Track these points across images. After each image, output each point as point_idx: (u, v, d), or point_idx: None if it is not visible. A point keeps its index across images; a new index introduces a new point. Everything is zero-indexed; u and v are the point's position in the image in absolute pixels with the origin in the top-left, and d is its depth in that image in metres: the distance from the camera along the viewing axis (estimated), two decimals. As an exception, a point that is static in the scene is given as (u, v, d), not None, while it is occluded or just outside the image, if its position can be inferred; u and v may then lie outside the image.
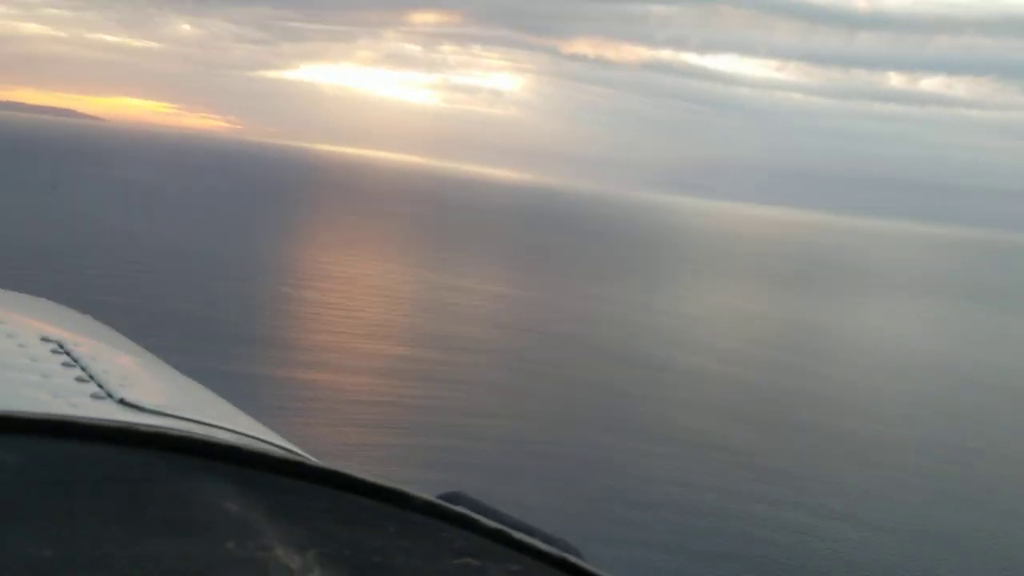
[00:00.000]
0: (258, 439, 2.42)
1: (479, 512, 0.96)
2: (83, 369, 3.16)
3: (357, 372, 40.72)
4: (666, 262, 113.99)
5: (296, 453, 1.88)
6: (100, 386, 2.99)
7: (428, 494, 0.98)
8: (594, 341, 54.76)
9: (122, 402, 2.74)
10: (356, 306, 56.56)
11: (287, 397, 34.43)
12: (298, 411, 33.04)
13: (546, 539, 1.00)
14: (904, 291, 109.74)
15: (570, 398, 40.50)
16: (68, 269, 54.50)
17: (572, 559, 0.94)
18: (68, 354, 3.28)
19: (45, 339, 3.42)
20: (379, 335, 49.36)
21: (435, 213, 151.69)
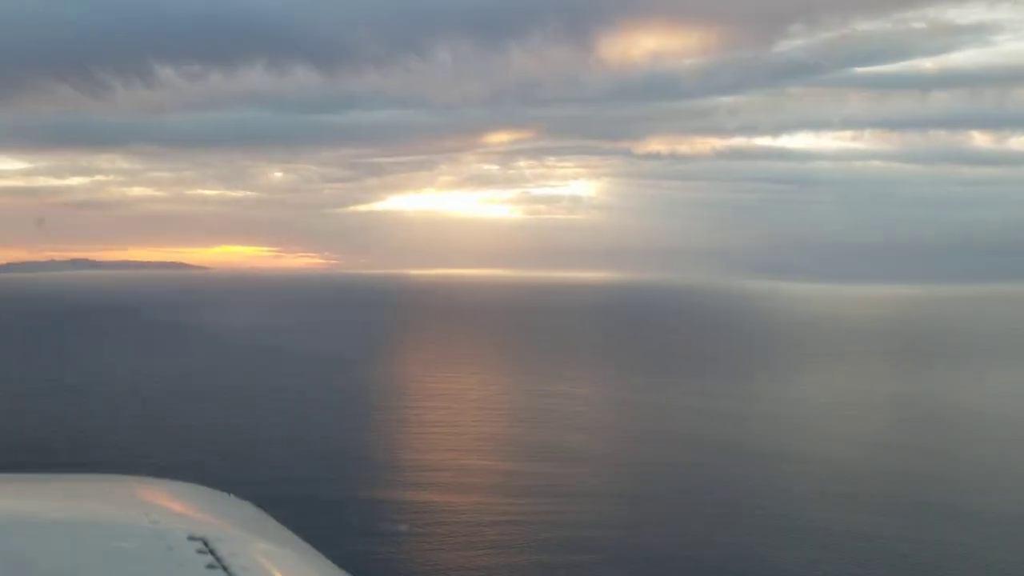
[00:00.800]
0: None
1: None
2: (225, 569, 3.36)
3: (468, 490, 40.55)
4: (767, 350, 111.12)
5: None
6: None
7: None
8: (706, 437, 53.37)
9: None
10: (460, 421, 56.96)
11: (404, 521, 34.62)
12: (417, 535, 33.14)
13: None
14: (1021, 356, 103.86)
15: (690, 499, 39.31)
16: (195, 413, 57.07)
17: None
18: (212, 552, 3.48)
19: (192, 537, 3.65)
20: (485, 450, 49.39)
21: (527, 321, 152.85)
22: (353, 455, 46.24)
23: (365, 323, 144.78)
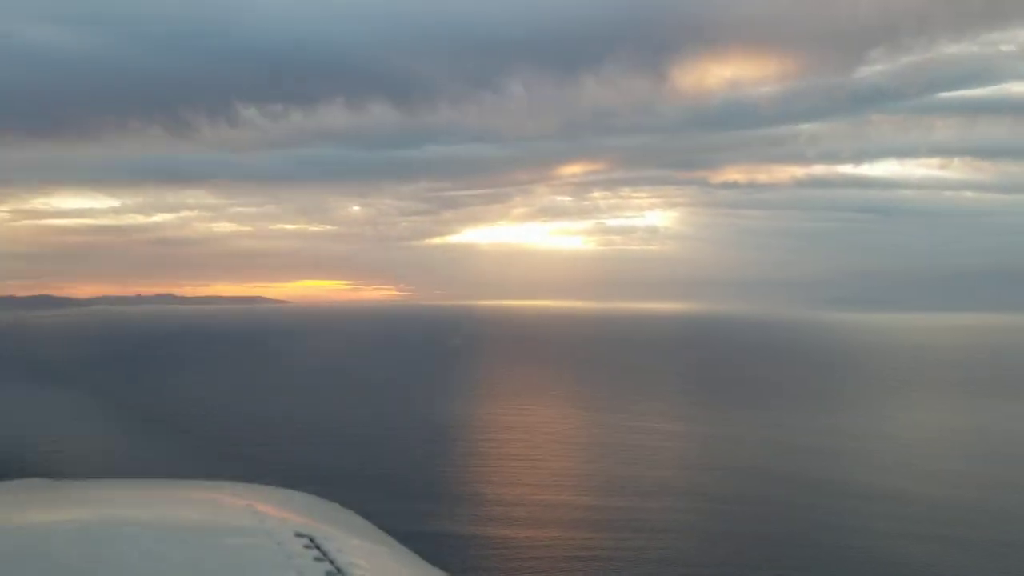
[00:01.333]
0: None
1: None
2: (332, 563, 3.60)
3: (549, 525, 39.95)
4: (849, 382, 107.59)
5: None
6: None
7: None
8: (790, 472, 51.71)
9: None
10: (538, 455, 56.39)
11: (485, 557, 34.25)
12: (499, 572, 32.71)
13: None
14: None
15: (777, 536, 37.97)
16: (270, 441, 58.03)
17: None
18: (319, 547, 3.71)
19: (299, 534, 3.92)
20: (564, 484, 48.70)
21: (604, 353, 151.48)
22: (430, 488, 46.14)
23: (440, 355, 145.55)
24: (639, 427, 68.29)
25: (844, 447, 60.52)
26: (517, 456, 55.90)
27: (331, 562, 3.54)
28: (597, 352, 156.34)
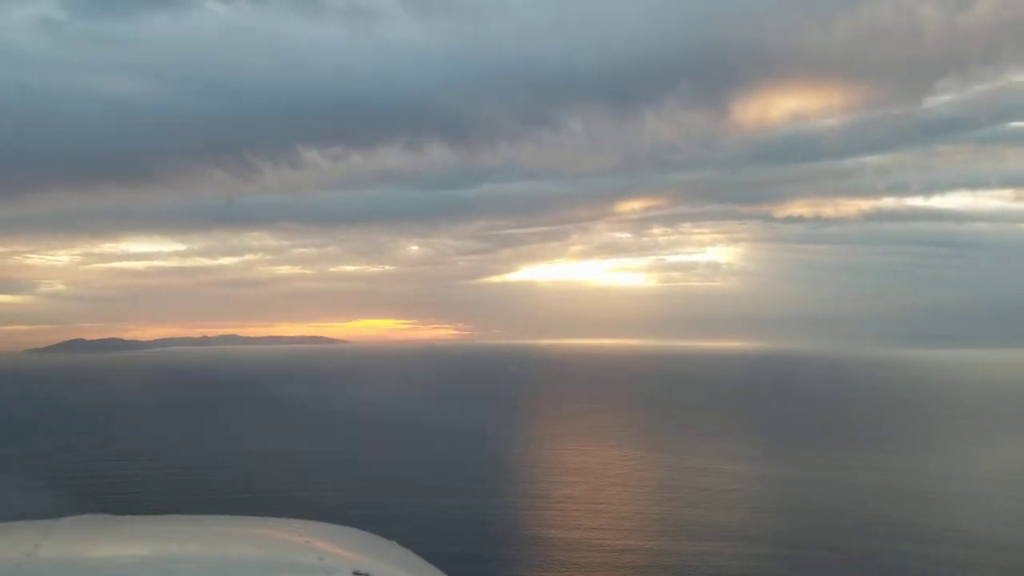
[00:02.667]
0: None
1: None
2: None
3: (614, 570, 37.96)
4: (928, 420, 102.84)
5: None
6: None
7: None
8: (870, 516, 48.57)
9: None
10: (600, 498, 54.19)
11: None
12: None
13: None
14: None
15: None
16: (332, 483, 57.00)
17: None
18: None
19: (357, 572, 3.91)
20: (629, 528, 46.48)
21: (667, 393, 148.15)
22: (489, 530, 44.44)
23: (499, 394, 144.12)
24: (704, 468, 65.55)
25: (928, 489, 57.02)
26: (579, 498, 53.82)
27: None
28: (659, 392, 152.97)
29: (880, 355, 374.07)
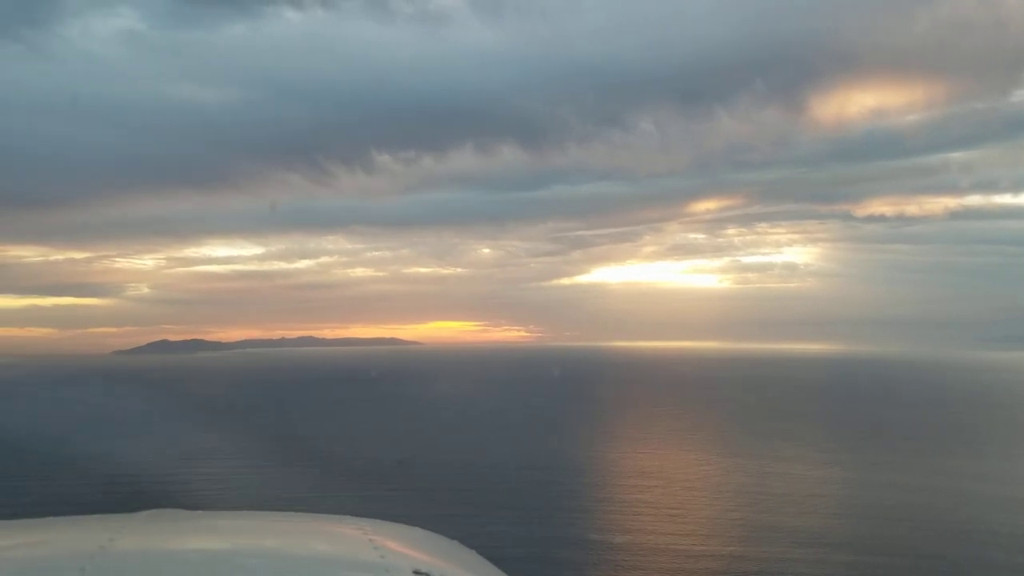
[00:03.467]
0: None
1: None
2: None
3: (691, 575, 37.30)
4: (1018, 425, 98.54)
5: None
6: None
7: None
8: (963, 524, 46.69)
9: None
10: (676, 503, 53.29)
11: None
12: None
13: None
14: None
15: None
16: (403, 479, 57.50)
17: None
18: None
19: (417, 571, 3.99)
20: (706, 533, 45.57)
21: (742, 396, 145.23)
22: (566, 535, 44.10)
23: (571, 396, 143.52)
24: (783, 473, 64.01)
25: (1014, 495, 54.55)
26: (655, 503, 53.03)
27: None
28: (735, 395, 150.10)
29: (969, 358, 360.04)
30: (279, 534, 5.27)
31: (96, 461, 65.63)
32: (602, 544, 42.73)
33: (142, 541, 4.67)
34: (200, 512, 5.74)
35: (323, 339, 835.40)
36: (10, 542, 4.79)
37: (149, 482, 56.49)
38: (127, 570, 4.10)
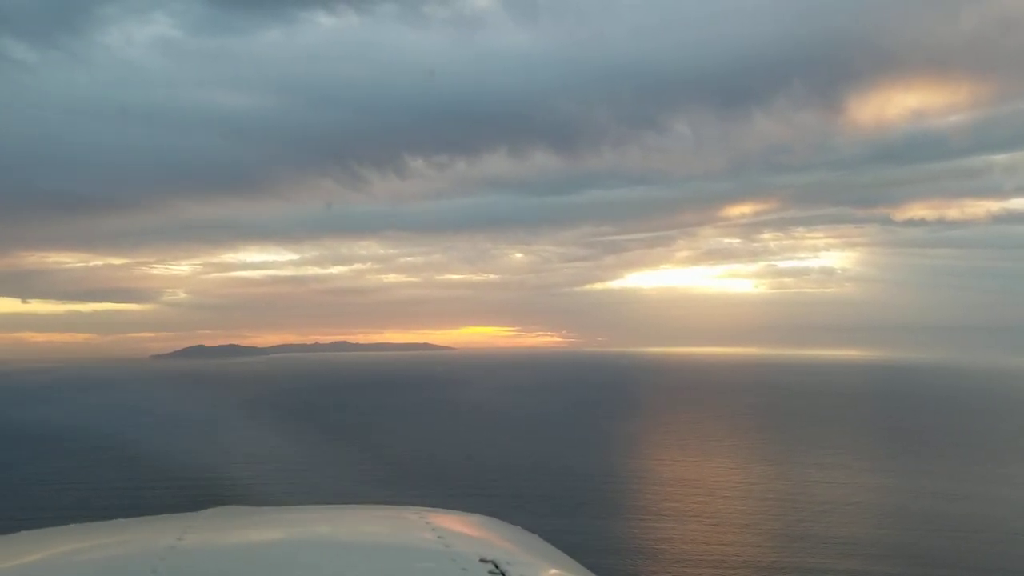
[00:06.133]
0: None
1: None
2: None
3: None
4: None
5: None
6: None
7: None
8: (1003, 526, 45.75)
9: None
10: (717, 511, 52.67)
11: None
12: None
13: None
14: None
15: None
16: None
17: None
18: (503, 573, 3.77)
19: (483, 560, 3.98)
20: (748, 542, 45.03)
21: (780, 403, 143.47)
22: (610, 546, 43.80)
23: (606, 402, 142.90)
24: (829, 481, 63.05)
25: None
26: (696, 513, 52.35)
27: None
28: (772, 401, 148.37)
29: (1012, 365, 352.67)
30: (342, 526, 5.33)
31: (165, 460, 67.93)
32: (649, 554, 42.42)
33: (210, 538, 4.75)
34: (263, 508, 5.82)
35: (357, 344, 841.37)
36: (83, 545, 4.89)
37: (218, 481, 57.71)
38: (198, 568, 4.14)
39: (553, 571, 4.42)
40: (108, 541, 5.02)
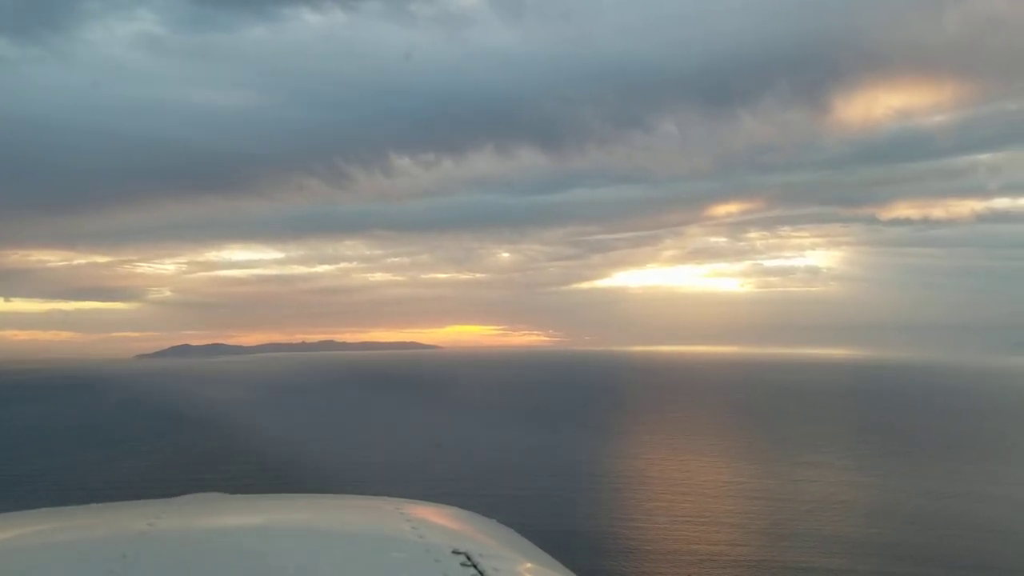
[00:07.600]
0: None
1: None
2: None
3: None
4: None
5: None
6: None
7: None
8: (995, 524, 45.95)
9: None
10: (704, 510, 52.70)
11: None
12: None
13: None
14: None
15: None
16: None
17: None
18: (475, 566, 3.80)
19: (456, 551, 4.00)
20: (736, 540, 45.07)
21: (766, 402, 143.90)
22: (607, 546, 43.67)
23: (592, 402, 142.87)
24: (815, 479, 63.36)
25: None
26: (688, 515, 52.22)
27: None
28: (758, 401, 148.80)
29: (995, 364, 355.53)
30: (317, 516, 5.35)
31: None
32: (642, 555, 42.33)
33: (181, 525, 4.74)
34: (239, 496, 5.83)
35: (343, 343, 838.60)
36: (53, 527, 4.89)
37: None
38: (167, 554, 4.12)
39: (525, 563, 4.42)
40: (78, 524, 4.97)
